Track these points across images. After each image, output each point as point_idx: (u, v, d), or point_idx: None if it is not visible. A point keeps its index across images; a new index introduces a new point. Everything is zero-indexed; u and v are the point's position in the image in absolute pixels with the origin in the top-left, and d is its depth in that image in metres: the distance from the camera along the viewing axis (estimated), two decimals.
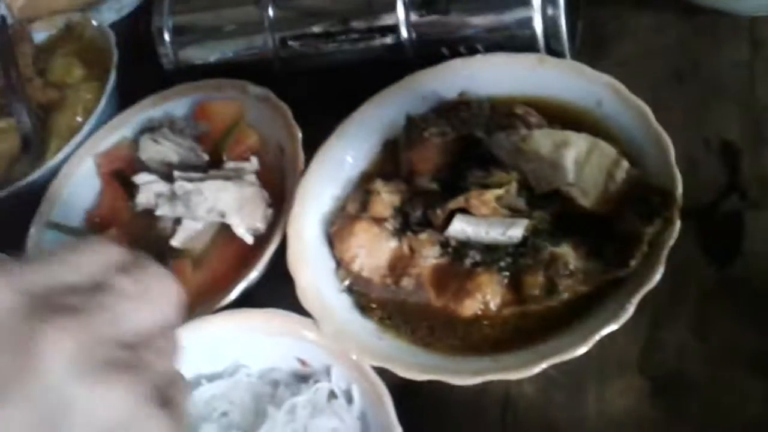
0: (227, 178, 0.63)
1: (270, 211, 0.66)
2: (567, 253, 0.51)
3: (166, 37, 0.78)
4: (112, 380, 0.29)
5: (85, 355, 0.29)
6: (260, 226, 0.65)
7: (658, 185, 0.51)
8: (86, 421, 0.28)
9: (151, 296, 0.33)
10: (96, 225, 0.74)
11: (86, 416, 0.28)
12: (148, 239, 0.71)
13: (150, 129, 0.72)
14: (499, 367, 0.48)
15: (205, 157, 0.70)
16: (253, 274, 0.60)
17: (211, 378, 0.56)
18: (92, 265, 0.33)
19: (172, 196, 0.62)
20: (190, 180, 0.62)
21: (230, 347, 0.56)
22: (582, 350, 0.46)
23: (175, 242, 0.68)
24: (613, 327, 0.46)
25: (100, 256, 0.33)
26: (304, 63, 0.74)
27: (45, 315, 0.29)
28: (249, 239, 0.63)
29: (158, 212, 0.65)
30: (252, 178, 0.65)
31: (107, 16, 0.96)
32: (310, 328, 0.54)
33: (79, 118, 0.80)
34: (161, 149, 0.68)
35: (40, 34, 0.92)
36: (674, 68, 0.67)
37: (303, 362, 0.55)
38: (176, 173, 0.62)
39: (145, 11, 0.92)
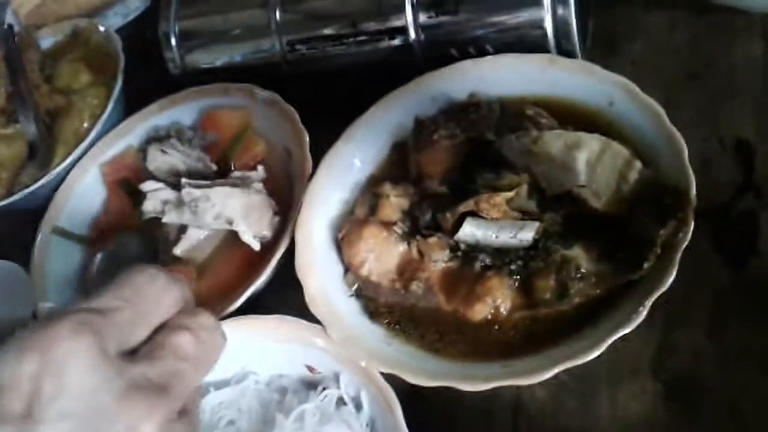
0: (234, 185, 0.62)
1: (276, 218, 0.65)
2: (579, 255, 0.50)
3: (173, 41, 0.78)
4: (134, 407, 0.32)
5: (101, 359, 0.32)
6: (267, 233, 0.64)
7: (671, 186, 0.50)
8: None
9: (209, 357, 0.36)
10: (101, 233, 0.74)
11: None
12: (155, 248, 0.71)
13: (158, 139, 0.72)
14: (510, 372, 0.48)
15: (213, 166, 0.70)
16: (260, 280, 0.60)
17: (219, 385, 0.56)
18: (161, 314, 0.36)
19: (179, 203, 0.62)
20: (198, 187, 0.61)
21: (238, 354, 0.55)
22: (594, 355, 0.45)
23: (179, 251, 0.68)
24: (625, 331, 0.46)
25: (167, 305, 0.36)
26: (311, 66, 0.73)
27: (133, 393, 0.32)
28: (256, 246, 0.63)
29: (165, 219, 0.64)
30: (259, 185, 0.65)
31: (113, 21, 0.97)
32: (319, 334, 0.53)
33: (85, 124, 0.79)
34: (169, 159, 0.68)
35: (47, 40, 0.92)
36: (687, 67, 0.66)
37: (311, 369, 0.55)
38: (183, 180, 0.62)
39: (151, 16, 0.92)
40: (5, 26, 0.85)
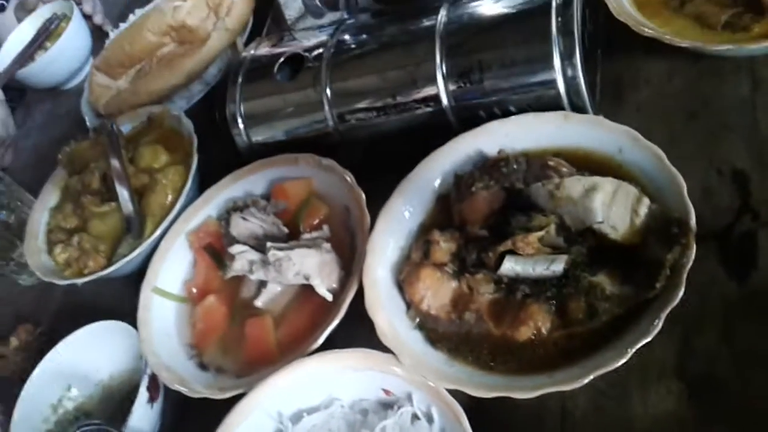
0: (309, 246, 0.73)
1: (343, 273, 0.76)
2: (603, 281, 0.59)
3: (239, 120, 0.90)
4: None
5: None
6: (336, 286, 0.75)
7: (675, 217, 0.60)
8: None
9: None
10: (193, 293, 0.86)
11: None
12: (237, 303, 0.82)
13: (237, 208, 0.83)
14: (554, 381, 0.57)
15: (285, 230, 0.82)
16: (336, 321, 0.70)
17: (310, 411, 0.66)
18: None
19: (265, 263, 0.74)
20: (281, 249, 0.73)
21: (324, 384, 0.66)
22: (622, 361, 0.54)
23: (260, 303, 0.79)
24: (646, 340, 0.55)
25: None
26: (359, 133, 0.85)
27: None
28: (329, 297, 0.74)
29: (253, 277, 0.76)
30: (328, 246, 0.75)
31: (179, 104, 1.10)
32: (392, 361, 0.63)
33: (169, 199, 0.92)
34: (249, 225, 0.80)
35: (125, 126, 1.05)
36: (686, 108, 0.75)
37: (387, 392, 0.65)
38: (269, 244, 0.74)
39: (209, 99, 1.06)
40: (109, 123, 0.98)
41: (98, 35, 1.38)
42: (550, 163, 0.67)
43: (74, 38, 1.33)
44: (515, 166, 0.68)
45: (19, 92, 1.46)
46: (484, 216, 0.68)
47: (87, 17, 1.37)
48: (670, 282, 0.57)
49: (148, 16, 1.13)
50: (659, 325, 0.55)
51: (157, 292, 0.84)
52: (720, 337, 0.60)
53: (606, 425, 0.60)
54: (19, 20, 1.39)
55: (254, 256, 0.76)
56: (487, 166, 0.70)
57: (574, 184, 0.63)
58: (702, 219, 0.62)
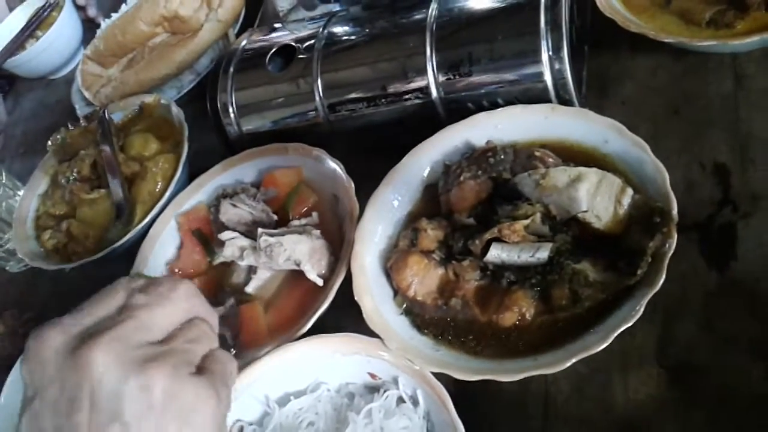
0: (300, 232, 0.74)
1: (333, 258, 0.77)
2: (586, 268, 0.61)
3: (230, 110, 0.91)
4: (147, 369, 0.40)
5: (123, 359, 0.40)
6: (326, 271, 0.76)
7: (657, 207, 0.61)
8: (138, 407, 0.40)
9: (165, 300, 0.44)
10: (176, 274, 0.86)
11: (136, 402, 0.40)
12: (225, 287, 0.83)
13: (227, 195, 0.84)
14: (537, 365, 0.58)
15: (275, 216, 0.83)
16: (324, 306, 0.71)
17: (297, 394, 0.67)
18: (117, 299, 0.44)
19: (255, 249, 0.74)
20: (272, 235, 0.74)
21: (311, 368, 0.67)
22: (603, 345, 0.56)
23: (250, 289, 0.80)
24: (627, 325, 0.56)
25: (123, 290, 0.45)
26: (350, 124, 0.86)
27: (86, 342, 0.40)
28: (320, 282, 0.74)
29: (244, 263, 0.76)
30: (317, 232, 0.76)
31: (169, 94, 1.11)
32: (378, 346, 0.64)
33: (159, 186, 0.93)
34: (239, 211, 0.81)
35: (116, 115, 1.06)
36: (670, 103, 0.76)
37: (373, 375, 0.66)
38: (260, 230, 0.74)
39: (202, 88, 1.06)
40: (101, 110, 0.98)
41: (90, 26, 1.38)
42: (537, 153, 0.68)
43: (65, 27, 1.33)
44: (502, 157, 0.69)
45: (8, 80, 1.46)
46: (472, 205, 0.69)
47: (80, 8, 1.37)
48: (651, 269, 0.59)
49: (141, 6, 1.13)
50: (640, 310, 0.56)
51: (140, 277, 0.84)
52: (700, 325, 0.62)
53: (588, 409, 0.62)
54: (11, 9, 1.39)
55: (244, 242, 0.76)
56: (475, 156, 0.71)
57: (560, 175, 0.65)
58: (684, 210, 0.63)
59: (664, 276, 0.57)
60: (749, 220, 0.65)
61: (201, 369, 0.43)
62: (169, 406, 0.40)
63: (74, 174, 0.97)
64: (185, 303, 0.46)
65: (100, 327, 0.41)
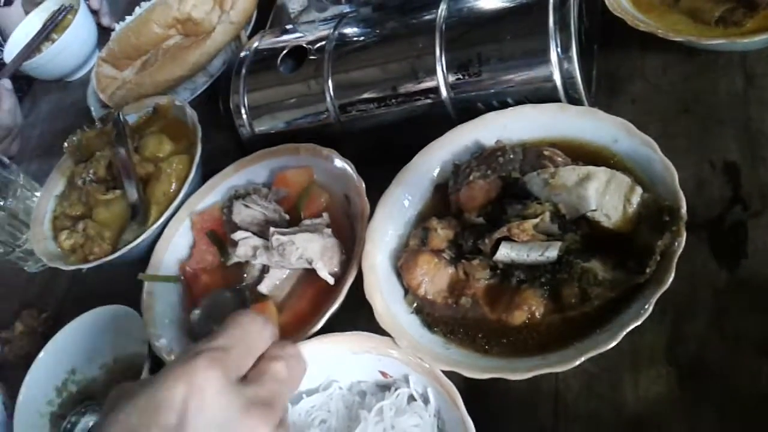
0: (311, 231, 0.75)
1: (344, 257, 0.78)
2: (595, 267, 0.61)
3: (243, 111, 0.92)
4: (250, 416, 0.44)
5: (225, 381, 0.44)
6: (338, 270, 0.77)
7: (667, 205, 0.61)
8: None
9: (297, 378, 0.50)
10: (187, 273, 0.88)
11: None
12: (238, 286, 0.84)
13: (240, 195, 0.85)
14: (547, 363, 0.59)
15: (287, 216, 0.84)
16: (335, 305, 0.72)
17: (309, 393, 0.68)
18: (261, 347, 0.48)
19: (268, 248, 0.75)
20: (284, 234, 0.75)
21: (323, 366, 0.68)
22: (613, 344, 0.56)
23: (263, 289, 0.81)
24: (636, 323, 0.56)
25: (265, 339, 0.49)
26: (360, 124, 0.87)
27: (251, 408, 0.44)
28: (331, 281, 0.75)
29: (257, 262, 0.77)
30: (329, 231, 0.77)
31: (183, 96, 1.12)
32: (389, 344, 0.65)
33: (173, 187, 0.93)
34: (251, 212, 0.82)
35: (131, 116, 1.07)
36: (679, 102, 0.76)
37: (384, 374, 0.66)
38: (272, 229, 0.75)
39: (213, 91, 1.07)
40: (116, 112, 1.00)
41: (103, 31, 1.40)
42: (546, 152, 0.69)
43: (80, 30, 1.34)
44: (512, 156, 0.70)
45: (26, 82, 1.48)
46: (481, 204, 0.70)
47: (93, 12, 1.39)
48: (660, 268, 0.59)
49: (154, 9, 1.14)
50: (650, 309, 0.57)
51: (146, 278, 0.85)
52: (709, 324, 0.62)
53: (597, 407, 0.62)
54: (27, 12, 1.41)
55: (257, 241, 0.78)
56: (485, 156, 0.72)
57: (569, 173, 0.65)
58: (694, 209, 0.64)
59: (673, 274, 0.57)
60: (759, 219, 0.65)
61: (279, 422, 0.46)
62: None
63: (90, 175, 0.98)
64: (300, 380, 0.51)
65: (260, 395, 0.45)
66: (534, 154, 0.69)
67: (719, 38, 0.72)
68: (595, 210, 0.63)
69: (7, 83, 1.22)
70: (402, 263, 0.70)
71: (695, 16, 0.76)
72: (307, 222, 0.80)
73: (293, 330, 0.76)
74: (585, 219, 0.64)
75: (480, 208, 0.70)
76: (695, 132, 0.74)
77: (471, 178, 0.70)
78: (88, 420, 0.65)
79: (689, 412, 0.59)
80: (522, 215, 0.65)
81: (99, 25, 1.40)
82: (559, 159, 0.68)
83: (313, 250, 0.74)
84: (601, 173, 0.64)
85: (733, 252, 0.64)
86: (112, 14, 1.42)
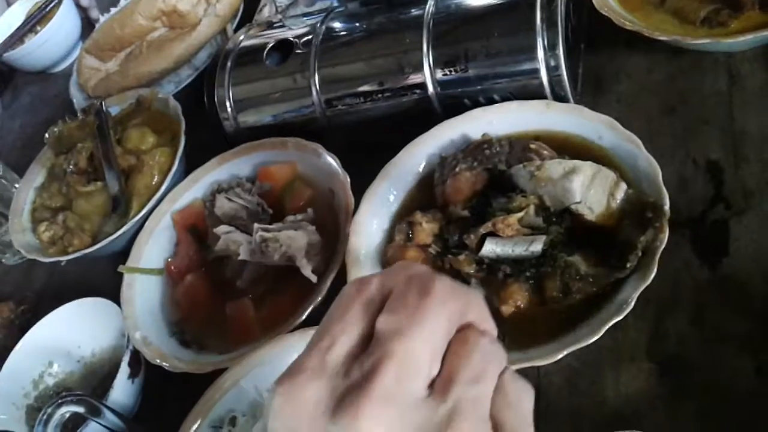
0: (295, 228, 0.75)
1: (328, 254, 0.77)
2: (578, 261, 0.61)
3: (228, 104, 0.92)
4: None
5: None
6: (320, 266, 0.76)
7: (650, 202, 0.61)
8: None
9: (420, 317, 0.31)
10: (172, 271, 0.87)
11: None
12: (219, 282, 0.83)
13: (223, 189, 0.85)
14: (529, 357, 0.59)
15: (270, 211, 0.83)
16: (319, 298, 0.71)
17: None
18: (357, 322, 0.32)
19: (251, 244, 0.75)
20: (268, 230, 0.74)
21: None
22: (595, 338, 0.56)
23: (242, 283, 0.80)
24: (618, 318, 0.56)
25: (360, 307, 0.32)
26: (346, 118, 0.86)
27: (350, 403, 0.29)
28: (314, 278, 0.74)
29: (239, 257, 0.77)
30: (312, 228, 0.77)
31: (167, 88, 1.11)
32: None
33: (155, 180, 0.93)
34: (233, 205, 0.81)
35: (113, 108, 1.06)
36: (665, 101, 0.77)
37: None
38: (256, 225, 0.75)
39: (197, 84, 1.06)
40: (98, 102, 0.99)
41: (89, 24, 1.38)
42: (532, 146, 0.69)
43: (64, 22, 1.33)
44: (498, 149, 0.70)
45: (7, 73, 1.46)
46: (467, 196, 0.69)
47: (80, 8, 1.37)
48: (643, 264, 0.59)
49: (140, 1, 1.13)
50: (632, 303, 0.57)
51: (127, 270, 0.84)
52: (691, 320, 0.62)
53: (579, 403, 0.62)
54: (9, 4, 1.39)
55: (240, 237, 0.77)
56: (471, 148, 0.72)
57: (555, 167, 0.65)
58: (677, 207, 0.64)
59: (655, 270, 0.58)
60: (741, 217, 0.66)
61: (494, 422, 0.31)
62: None
63: (71, 167, 0.97)
64: (446, 309, 0.31)
65: (355, 375, 0.30)
66: (520, 147, 0.69)
67: (704, 38, 0.73)
68: (579, 202, 0.63)
69: None
70: (388, 259, 0.70)
71: (681, 16, 0.76)
72: (290, 218, 0.80)
73: (274, 324, 0.75)
74: (569, 212, 0.64)
75: (466, 200, 0.69)
76: (679, 131, 0.74)
77: (457, 170, 0.70)
78: (65, 412, 0.63)
79: (670, 407, 0.59)
80: (507, 209, 0.65)
81: (86, 19, 1.38)
82: (546, 152, 0.68)
83: (297, 247, 0.74)
84: (586, 167, 0.65)
85: (715, 250, 0.65)
86: (100, 12, 1.40)
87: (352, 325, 0.31)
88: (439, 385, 0.30)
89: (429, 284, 0.32)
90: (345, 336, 0.31)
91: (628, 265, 0.58)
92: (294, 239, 0.76)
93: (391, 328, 0.30)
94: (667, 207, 0.61)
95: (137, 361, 0.76)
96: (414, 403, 0.30)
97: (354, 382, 0.30)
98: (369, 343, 0.31)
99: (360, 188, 0.78)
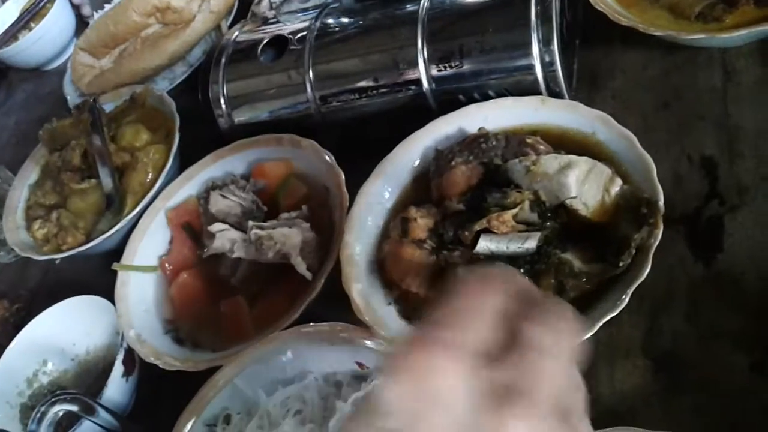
0: (290, 226, 0.74)
1: (322, 251, 0.77)
2: (572, 258, 0.61)
3: (222, 101, 0.91)
4: None
5: None
6: (315, 264, 0.76)
7: (645, 198, 0.61)
8: None
9: (565, 351, 0.31)
10: (167, 269, 0.87)
11: None
12: (213, 280, 0.83)
13: (217, 186, 0.84)
14: None
15: (264, 208, 0.83)
16: (313, 295, 0.71)
17: (285, 383, 0.67)
18: (493, 312, 0.31)
19: (246, 242, 0.74)
20: (262, 228, 0.74)
21: (298, 357, 0.67)
22: (589, 334, 0.56)
23: (235, 281, 0.80)
24: (612, 314, 0.56)
25: (498, 296, 0.31)
26: (341, 115, 0.86)
27: (502, 407, 0.29)
28: (308, 276, 0.74)
29: (234, 255, 0.76)
30: (307, 226, 0.77)
31: (161, 85, 1.10)
32: (366, 335, 0.64)
33: (149, 177, 0.92)
34: (228, 203, 0.81)
35: (107, 105, 1.05)
36: (659, 97, 0.77)
37: (361, 365, 0.66)
38: (250, 223, 0.75)
39: (191, 81, 1.06)
40: (92, 99, 0.98)
41: (83, 21, 1.37)
42: (528, 140, 0.69)
43: (59, 19, 1.32)
44: (494, 143, 0.70)
45: (1, 71, 1.45)
46: (462, 190, 0.69)
47: (73, 5, 1.37)
48: (637, 260, 0.59)
49: None
50: (626, 300, 0.57)
51: (121, 268, 0.84)
52: (685, 316, 0.62)
53: None
54: (3, 1, 1.39)
55: (234, 234, 0.77)
56: (467, 142, 0.71)
57: (551, 161, 0.65)
58: (672, 203, 0.64)
59: (649, 267, 0.58)
60: (736, 213, 0.66)
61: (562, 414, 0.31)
62: None
63: (66, 165, 0.96)
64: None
65: (505, 376, 0.30)
66: (517, 141, 0.69)
67: (699, 33, 0.72)
68: (574, 197, 0.63)
69: None
70: (383, 255, 0.69)
71: (676, 11, 0.76)
72: (285, 215, 0.79)
73: (269, 322, 0.75)
74: (564, 207, 0.64)
75: (461, 194, 0.69)
76: (674, 127, 0.74)
77: (453, 163, 0.70)
78: (58, 410, 0.63)
79: (665, 403, 0.59)
80: (502, 204, 0.65)
81: (79, 16, 1.38)
82: (542, 147, 0.68)
83: (291, 244, 0.74)
84: (582, 162, 0.64)
85: (710, 246, 0.65)
86: (92, 4, 1.40)
87: (485, 312, 0.31)
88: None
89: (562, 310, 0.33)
90: (482, 331, 0.30)
91: (622, 263, 0.58)
92: (289, 237, 0.76)
93: (544, 344, 0.30)
94: (661, 203, 0.60)
95: (131, 359, 0.76)
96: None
97: (507, 387, 0.29)
98: (506, 345, 0.30)
99: (355, 185, 0.78)
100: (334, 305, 0.70)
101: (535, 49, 0.74)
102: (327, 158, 0.81)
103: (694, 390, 0.59)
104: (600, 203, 0.63)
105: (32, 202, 0.99)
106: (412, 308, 0.68)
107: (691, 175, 0.70)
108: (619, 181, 0.64)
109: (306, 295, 0.72)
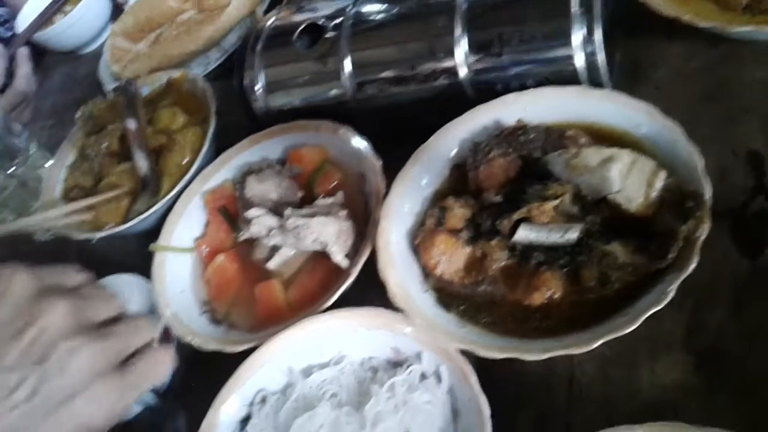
0: (327, 214, 0.74)
1: (358, 239, 0.77)
2: (616, 250, 0.60)
3: (258, 87, 0.91)
4: (84, 343, 0.48)
5: (70, 324, 0.48)
6: (350, 251, 0.76)
7: (690, 191, 0.60)
8: (60, 366, 0.47)
9: (105, 301, 0.53)
10: (203, 250, 0.87)
11: (61, 362, 0.47)
12: (248, 263, 0.83)
13: (253, 171, 0.85)
14: (563, 345, 0.58)
15: (300, 193, 0.83)
16: (349, 281, 0.71)
17: (321, 366, 0.67)
18: (76, 279, 0.54)
19: (283, 228, 0.75)
20: (300, 216, 0.74)
21: (335, 340, 0.67)
22: (631, 328, 0.55)
23: (271, 265, 0.80)
24: (657, 308, 0.55)
25: (77, 275, 0.54)
26: (376, 102, 0.85)
27: (49, 296, 0.48)
28: (345, 264, 0.74)
29: (271, 242, 0.77)
30: (344, 214, 0.77)
31: (196, 71, 1.11)
32: (403, 321, 0.64)
33: (186, 159, 0.93)
34: (264, 187, 0.81)
35: (144, 89, 1.06)
36: (704, 89, 0.75)
37: (397, 350, 0.66)
38: (288, 210, 0.75)
39: (228, 65, 1.06)
40: (126, 81, 0.99)
41: (117, 7, 1.39)
42: (569, 133, 0.68)
43: (93, 3, 1.33)
44: (533, 135, 0.69)
45: (38, 53, 1.47)
46: (500, 183, 0.69)
47: None
48: (682, 254, 0.58)
49: None
50: (671, 294, 0.56)
51: (158, 249, 0.84)
52: (729, 312, 0.61)
53: (612, 392, 0.61)
54: None
55: (271, 220, 0.77)
56: (505, 134, 0.71)
57: (592, 155, 0.64)
58: (717, 197, 0.62)
59: (696, 260, 0.57)
60: None
61: (126, 362, 0.50)
62: (76, 383, 0.47)
63: (103, 149, 0.97)
64: (116, 307, 0.54)
65: (63, 290, 0.50)
66: (556, 135, 0.68)
67: (746, 26, 0.71)
68: (617, 192, 0.62)
69: (24, 50, 1.21)
70: (419, 242, 0.69)
71: (722, 2, 0.74)
72: (320, 201, 0.79)
73: (303, 306, 0.75)
74: (605, 202, 0.63)
75: (499, 186, 0.69)
76: (718, 120, 0.72)
77: (491, 155, 0.69)
78: None
79: (705, 399, 0.58)
80: (542, 196, 0.64)
81: (114, 1, 1.39)
82: (583, 140, 0.67)
83: (329, 233, 0.74)
84: (625, 155, 0.64)
85: (756, 241, 0.63)
86: None
87: (70, 275, 0.55)
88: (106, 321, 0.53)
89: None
90: (64, 276, 0.55)
91: (670, 255, 0.57)
92: (326, 225, 0.76)
93: (95, 295, 0.54)
94: (708, 196, 0.59)
95: (168, 338, 0.77)
96: (88, 319, 0.51)
97: (59, 291, 0.51)
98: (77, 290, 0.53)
99: (391, 172, 0.77)
100: (371, 290, 0.70)
101: (577, 38, 0.73)
102: (363, 145, 0.81)
103: (735, 387, 0.58)
104: (644, 197, 0.62)
105: (70, 183, 1.00)
106: (448, 296, 0.67)
107: (736, 169, 0.68)
108: (663, 175, 0.63)
109: (342, 281, 0.72)
